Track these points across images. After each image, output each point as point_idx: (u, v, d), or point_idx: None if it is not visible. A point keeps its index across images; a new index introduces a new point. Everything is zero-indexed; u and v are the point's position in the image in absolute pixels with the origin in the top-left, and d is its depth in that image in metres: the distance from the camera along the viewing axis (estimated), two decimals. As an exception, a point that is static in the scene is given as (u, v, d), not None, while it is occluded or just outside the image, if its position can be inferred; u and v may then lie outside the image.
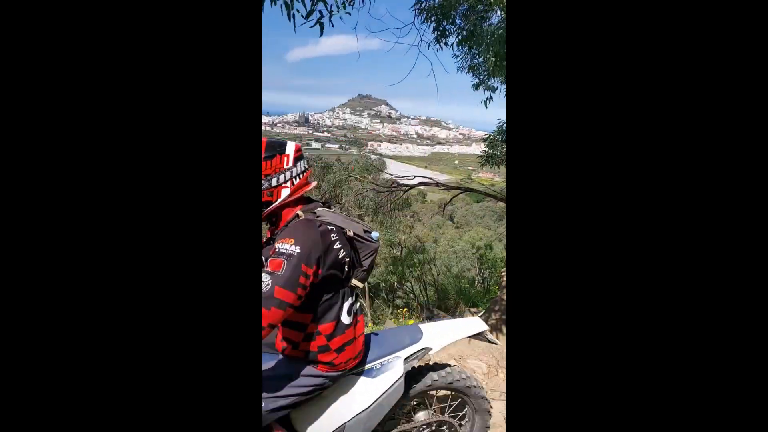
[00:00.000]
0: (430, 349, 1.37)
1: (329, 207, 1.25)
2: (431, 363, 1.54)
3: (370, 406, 1.25)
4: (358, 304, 1.28)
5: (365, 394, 1.26)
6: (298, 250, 1.01)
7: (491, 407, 1.56)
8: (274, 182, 1.10)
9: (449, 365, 1.48)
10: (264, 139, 1.10)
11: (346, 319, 1.18)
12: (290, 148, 1.13)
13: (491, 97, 4.85)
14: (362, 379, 1.28)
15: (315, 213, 1.16)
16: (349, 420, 1.23)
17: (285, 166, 1.11)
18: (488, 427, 1.56)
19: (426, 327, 1.42)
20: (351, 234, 1.18)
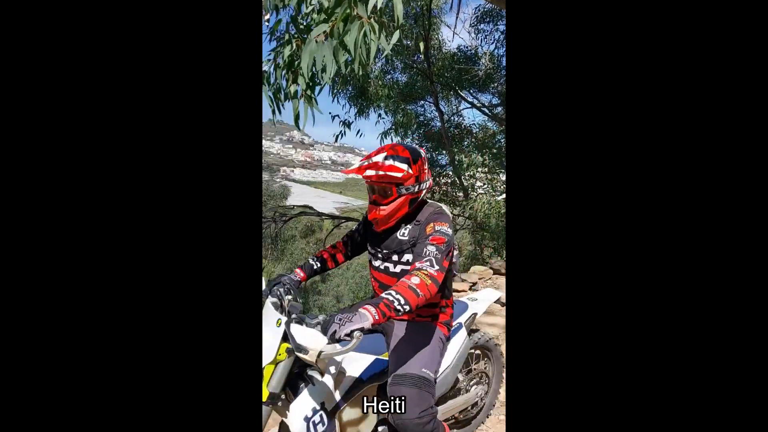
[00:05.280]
0: (477, 314, 1.72)
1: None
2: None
3: (451, 363, 1.55)
4: None
5: (449, 353, 1.55)
6: (450, 232, 1.28)
7: (504, 358, 1.97)
8: (424, 184, 1.37)
9: (478, 329, 1.84)
10: (401, 147, 1.37)
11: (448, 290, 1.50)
12: (424, 153, 1.41)
13: (343, 132, 6.06)
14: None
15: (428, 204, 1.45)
16: (439, 375, 1.49)
17: (426, 167, 1.38)
18: (504, 368, 1.99)
19: (464, 299, 1.79)
20: None
